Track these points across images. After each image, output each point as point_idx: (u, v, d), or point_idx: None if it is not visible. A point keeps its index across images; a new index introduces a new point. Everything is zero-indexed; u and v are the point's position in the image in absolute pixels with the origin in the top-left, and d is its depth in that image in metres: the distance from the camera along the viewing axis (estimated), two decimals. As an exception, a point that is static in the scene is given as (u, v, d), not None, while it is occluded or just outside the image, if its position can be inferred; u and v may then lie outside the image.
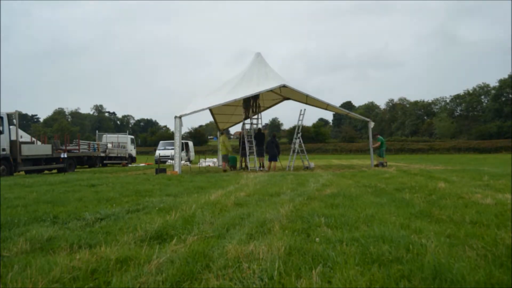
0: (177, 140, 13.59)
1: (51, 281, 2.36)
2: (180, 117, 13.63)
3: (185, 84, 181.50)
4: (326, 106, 17.90)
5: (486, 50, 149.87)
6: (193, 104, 16.35)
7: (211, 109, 17.63)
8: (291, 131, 70.40)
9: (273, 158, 15.89)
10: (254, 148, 16.34)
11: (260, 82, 15.76)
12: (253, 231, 3.61)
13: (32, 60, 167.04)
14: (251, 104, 17.37)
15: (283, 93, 18.78)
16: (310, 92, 16.33)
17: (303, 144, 16.97)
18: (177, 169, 13.51)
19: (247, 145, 16.28)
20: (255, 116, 17.83)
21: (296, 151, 16.40)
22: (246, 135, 16.48)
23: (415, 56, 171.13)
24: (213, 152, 39.09)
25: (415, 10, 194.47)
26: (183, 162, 20.49)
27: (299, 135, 16.44)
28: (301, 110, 16.88)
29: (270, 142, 16.34)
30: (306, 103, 18.32)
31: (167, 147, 28.19)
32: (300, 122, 16.79)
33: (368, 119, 17.86)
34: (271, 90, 16.14)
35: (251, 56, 18.56)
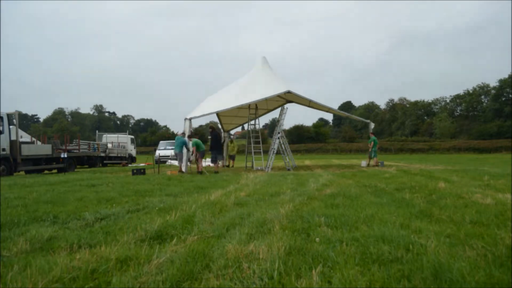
0: (187, 142, 13.90)
1: (51, 281, 2.36)
2: (190, 119, 14.07)
3: (185, 84, 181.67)
4: (327, 110, 18.47)
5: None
6: (201, 106, 16.78)
7: (218, 112, 17.89)
8: (291, 131, 70.59)
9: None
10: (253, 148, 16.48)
11: (266, 87, 15.99)
12: (253, 231, 3.61)
13: (32, 60, 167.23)
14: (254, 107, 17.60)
15: (287, 97, 18.99)
16: (312, 97, 16.77)
17: (286, 144, 16.26)
18: (184, 168, 13.83)
19: (252, 144, 16.41)
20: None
21: (275, 151, 15.37)
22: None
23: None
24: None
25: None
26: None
27: (280, 134, 15.57)
28: (282, 108, 16.35)
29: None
30: (309, 106, 18.52)
31: (167, 147, 28.16)
32: (282, 121, 16.08)
33: (368, 121, 18.12)
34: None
35: (258, 61, 18.89)
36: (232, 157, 20.40)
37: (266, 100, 17.01)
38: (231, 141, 21.48)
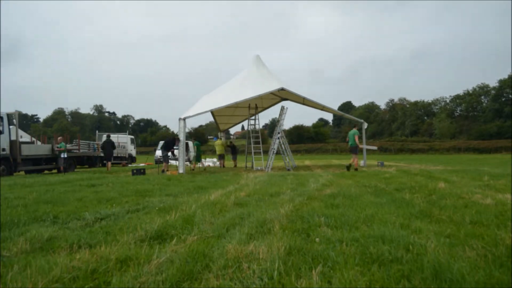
0: (182, 142, 13.82)
1: (51, 281, 2.36)
2: (184, 119, 13.98)
3: (186, 84, 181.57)
4: (322, 108, 18.37)
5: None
6: (195, 106, 16.77)
7: (212, 111, 17.85)
8: (291, 131, 70.56)
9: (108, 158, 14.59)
10: (253, 148, 16.46)
11: (260, 84, 15.97)
12: (253, 231, 3.61)
13: (32, 60, 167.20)
14: (251, 106, 17.57)
15: (281, 94, 19.01)
16: (306, 94, 16.75)
17: (286, 145, 16.34)
18: (181, 170, 13.69)
19: (252, 145, 16.40)
20: (253, 117, 18.03)
21: (274, 151, 15.46)
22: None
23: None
24: (213, 152, 39.17)
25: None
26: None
27: (279, 135, 15.65)
28: (282, 108, 16.42)
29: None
30: (303, 104, 18.56)
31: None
32: (282, 121, 16.15)
33: (361, 120, 18.27)
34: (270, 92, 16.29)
35: (252, 59, 18.90)
36: (221, 157, 20.21)
37: (261, 98, 17.10)
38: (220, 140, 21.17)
